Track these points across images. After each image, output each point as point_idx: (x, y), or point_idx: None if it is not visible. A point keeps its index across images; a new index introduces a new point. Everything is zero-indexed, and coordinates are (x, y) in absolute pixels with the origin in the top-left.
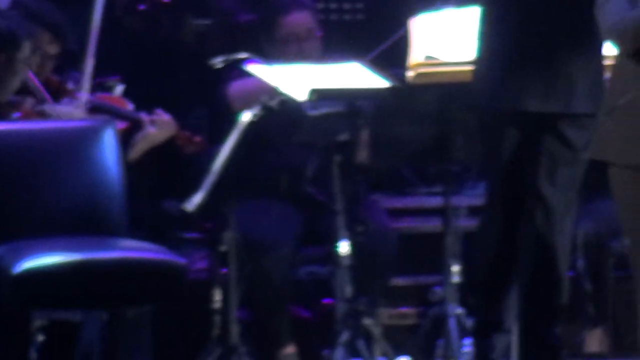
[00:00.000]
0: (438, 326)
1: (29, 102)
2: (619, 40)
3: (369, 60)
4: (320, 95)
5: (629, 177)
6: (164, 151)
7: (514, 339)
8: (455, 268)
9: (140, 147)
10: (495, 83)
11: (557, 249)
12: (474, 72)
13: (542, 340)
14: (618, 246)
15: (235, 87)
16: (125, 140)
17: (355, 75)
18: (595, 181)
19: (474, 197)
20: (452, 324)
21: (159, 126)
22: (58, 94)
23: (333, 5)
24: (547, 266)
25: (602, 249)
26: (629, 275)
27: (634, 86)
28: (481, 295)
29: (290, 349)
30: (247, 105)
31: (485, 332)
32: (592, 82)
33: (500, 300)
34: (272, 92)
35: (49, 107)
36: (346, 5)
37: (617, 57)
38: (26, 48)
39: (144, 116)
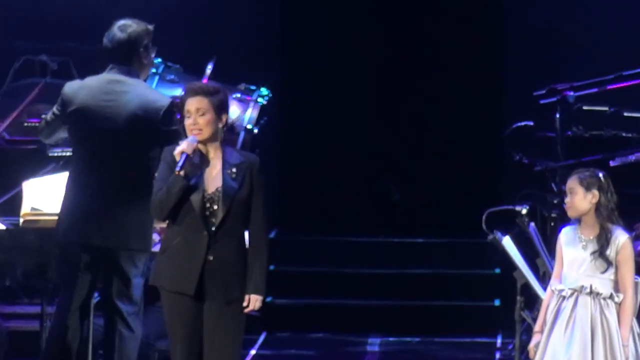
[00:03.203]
0: None
1: None
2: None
3: None
4: None
5: (170, 298)
6: None
7: None
8: None
9: None
10: (70, 223)
11: (131, 345)
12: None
13: None
14: (163, 344)
15: None
16: None
17: None
18: (144, 297)
19: None
20: None
21: None
22: None
23: None
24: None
25: (151, 346)
26: None
27: (178, 234)
28: None
29: None
30: None
31: None
32: (142, 228)
33: None
34: None
35: None
36: None
37: None
38: None
39: None
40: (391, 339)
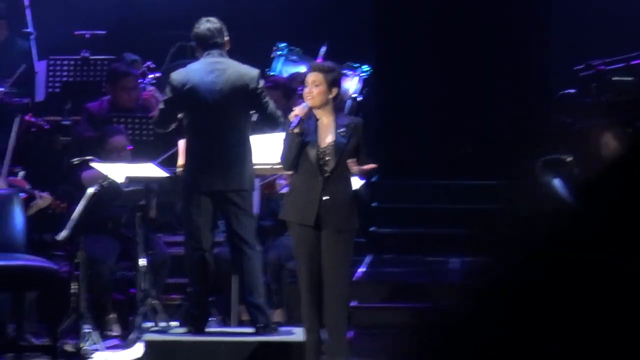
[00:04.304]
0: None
1: None
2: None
3: (158, 162)
4: (130, 180)
5: (295, 228)
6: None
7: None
8: None
9: (33, 209)
10: (196, 176)
11: (256, 262)
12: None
13: (257, 306)
14: (291, 265)
15: (85, 173)
16: (25, 204)
17: (149, 170)
18: (275, 229)
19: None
20: None
21: (43, 199)
22: None
23: (137, 132)
24: (253, 275)
25: (282, 266)
26: (296, 282)
27: (300, 180)
28: (193, 298)
29: (112, 316)
30: (91, 184)
31: (196, 315)
32: (248, 173)
33: (205, 300)
34: (105, 177)
35: None
36: (144, 132)
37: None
38: None
39: (36, 192)
40: (467, 259)
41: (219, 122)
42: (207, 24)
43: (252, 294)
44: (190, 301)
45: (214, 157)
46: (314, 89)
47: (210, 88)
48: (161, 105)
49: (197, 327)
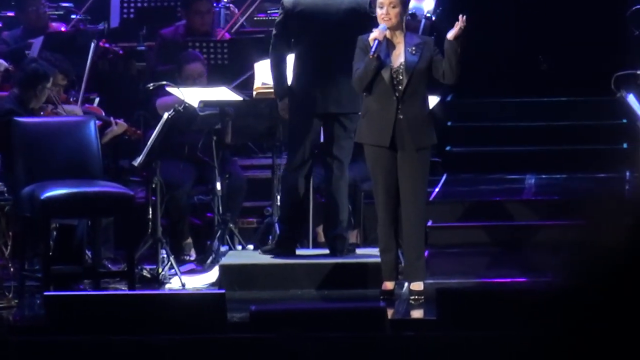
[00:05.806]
0: (269, 228)
1: (49, 107)
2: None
3: (232, 86)
4: (205, 104)
5: (371, 150)
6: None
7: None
8: (277, 198)
9: (109, 136)
10: (308, 98)
11: (344, 186)
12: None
13: (337, 234)
14: (366, 186)
15: (159, 100)
16: (100, 131)
17: (224, 94)
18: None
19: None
20: (275, 227)
21: (119, 125)
22: (65, 103)
23: (212, 56)
24: (338, 201)
25: (357, 188)
26: (372, 203)
27: (374, 101)
28: (287, 220)
29: (188, 240)
30: (166, 109)
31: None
32: (355, 97)
33: (299, 222)
34: (180, 102)
35: (61, 109)
36: (219, 56)
37: None
38: (50, 81)
39: (111, 119)
40: (543, 176)
41: (332, 45)
42: None
43: (336, 226)
44: (283, 223)
45: (327, 80)
46: (391, 11)
47: (324, 10)
48: (274, 31)
49: (291, 249)
